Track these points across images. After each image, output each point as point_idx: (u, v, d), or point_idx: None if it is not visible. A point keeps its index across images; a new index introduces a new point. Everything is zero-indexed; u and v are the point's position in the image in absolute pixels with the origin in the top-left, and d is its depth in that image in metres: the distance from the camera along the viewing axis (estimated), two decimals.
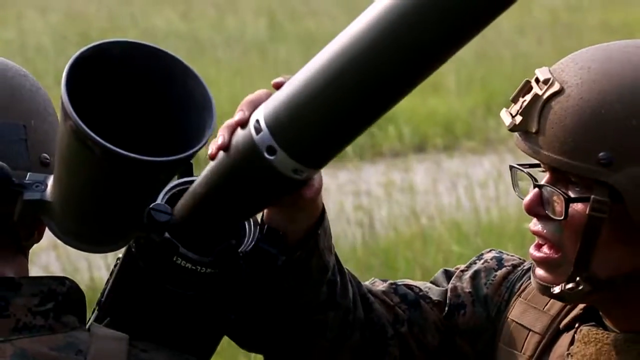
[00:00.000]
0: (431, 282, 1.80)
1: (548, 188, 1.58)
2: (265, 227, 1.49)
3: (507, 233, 6.11)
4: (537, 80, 1.58)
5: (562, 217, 1.55)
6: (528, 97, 1.57)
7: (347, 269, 1.70)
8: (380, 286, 1.77)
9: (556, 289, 1.58)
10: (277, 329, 1.59)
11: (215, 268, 1.43)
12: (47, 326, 1.41)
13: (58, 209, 1.39)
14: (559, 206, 1.56)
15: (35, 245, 1.50)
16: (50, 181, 1.40)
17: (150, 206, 1.41)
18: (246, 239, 1.47)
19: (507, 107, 1.62)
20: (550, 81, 1.56)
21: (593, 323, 1.64)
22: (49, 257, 5.78)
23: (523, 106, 1.57)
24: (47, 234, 1.63)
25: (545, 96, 1.56)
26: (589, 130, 1.52)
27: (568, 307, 1.67)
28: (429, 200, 7.07)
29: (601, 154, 1.51)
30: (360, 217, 6.55)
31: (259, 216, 1.50)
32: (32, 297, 1.41)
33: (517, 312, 1.71)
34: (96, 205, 1.37)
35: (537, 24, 15.05)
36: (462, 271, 1.79)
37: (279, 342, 1.61)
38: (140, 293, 1.46)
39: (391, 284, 1.77)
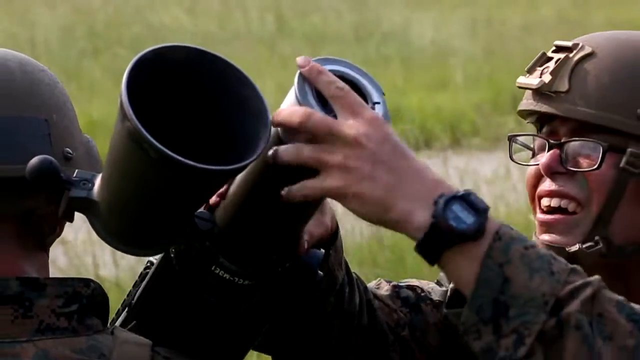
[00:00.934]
0: (436, 282, 1.80)
1: (573, 143, 1.58)
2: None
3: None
4: (557, 50, 1.61)
5: (595, 167, 1.56)
6: (552, 63, 1.59)
7: (355, 274, 1.69)
8: (384, 289, 1.76)
9: (573, 248, 1.57)
10: (284, 333, 1.59)
11: (252, 280, 1.42)
12: (71, 328, 1.39)
13: (104, 209, 1.38)
14: (586, 160, 1.57)
15: None
16: (98, 180, 1.39)
17: (195, 213, 1.40)
18: (287, 255, 1.45)
19: (523, 78, 1.62)
20: (580, 45, 1.60)
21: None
22: (56, 252, 5.78)
23: (548, 70, 1.59)
24: None
25: (576, 58, 1.59)
26: (627, 87, 1.56)
27: None
28: None
29: (639, 109, 1.55)
30: None
31: None
32: (56, 298, 1.40)
33: None
34: (144, 209, 1.35)
35: (544, 20, 15.02)
36: None
37: (286, 344, 1.60)
38: (173, 299, 1.45)
39: (394, 286, 1.76)
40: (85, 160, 1.45)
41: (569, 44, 1.62)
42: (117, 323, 1.48)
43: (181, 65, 1.35)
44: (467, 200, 1.26)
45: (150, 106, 1.35)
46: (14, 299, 1.38)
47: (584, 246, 1.57)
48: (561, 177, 1.59)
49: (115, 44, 12.63)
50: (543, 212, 1.60)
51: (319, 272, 1.47)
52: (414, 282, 1.79)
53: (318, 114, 1.29)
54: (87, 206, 1.39)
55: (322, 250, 1.48)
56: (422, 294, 1.76)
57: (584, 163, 1.58)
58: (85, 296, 1.41)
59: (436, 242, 1.25)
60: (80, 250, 5.95)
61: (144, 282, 1.49)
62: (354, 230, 5.98)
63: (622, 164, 1.55)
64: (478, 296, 1.22)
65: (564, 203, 1.59)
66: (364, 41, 13.22)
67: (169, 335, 1.45)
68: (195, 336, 1.45)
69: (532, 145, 1.66)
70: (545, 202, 1.61)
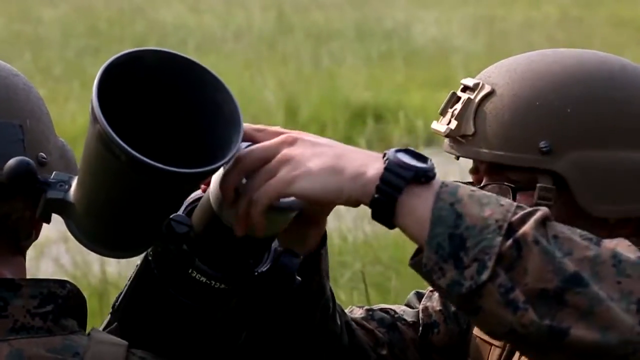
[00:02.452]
0: (405, 305, 1.84)
1: (490, 186, 1.60)
2: (283, 249, 1.48)
3: None
4: (463, 90, 1.64)
5: None
6: (459, 105, 1.62)
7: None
8: (358, 313, 1.79)
9: None
10: (273, 346, 1.60)
11: (229, 284, 1.42)
12: (46, 328, 1.39)
13: (79, 211, 1.38)
14: None
15: (46, 237, 1.50)
16: (75, 182, 1.39)
17: (171, 216, 1.40)
18: (263, 259, 1.46)
19: (437, 120, 1.67)
20: (480, 85, 1.62)
21: None
22: (59, 249, 5.77)
23: (456, 113, 1.62)
24: (56, 226, 1.62)
25: (477, 99, 1.61)
26: (527, 122, 1.56)
27: None
28: None
29: (541, 142, 1.55)
30: (369, 211, 6.53)
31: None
32: (31, 298, 1.40)
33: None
34: (117, 211, 1.36)
35: (546, 18, 15.02)
36: (432, 291, 1.82)
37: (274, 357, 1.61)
38: (153, 302, 1.45)
39: (367, 310, 1.80)
40: (60, 165, 1.45)
41: (472, 83, 1.63)
42: (102, 326, 1.48)
43: (155, 69, 1.35)
44: (413, 152, 1.31)
45: (123, 110, 1.36)
46: None
47: None
48: None
49: (118, 42, 12.63)
50: None
51: (297, 277, 1.47)
52: (385, 306, 1.83)
53: (246, 150, 1.35)
54: (63, 208, 1.39)
55: (300, 257, 1.48)
56: (396, 315, 1.80)
57: None
58: (61, 297, 1.41)
59: (392, 185, 1.27)
60: (84, 248, 5.94)
61: (126, 285, 1.50)
62: (357, 228, 5.98)
63: (535, 200, 1.55)
64: (435, 235, 1.25)
65: None
66: (366, 39, 13.21)
67: (148, 338, 1.46)
68: (174, 339, 1.45)
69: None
70: None
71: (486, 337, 1.70)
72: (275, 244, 1.48)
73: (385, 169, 1.28)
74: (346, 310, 1.79)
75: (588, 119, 1.56)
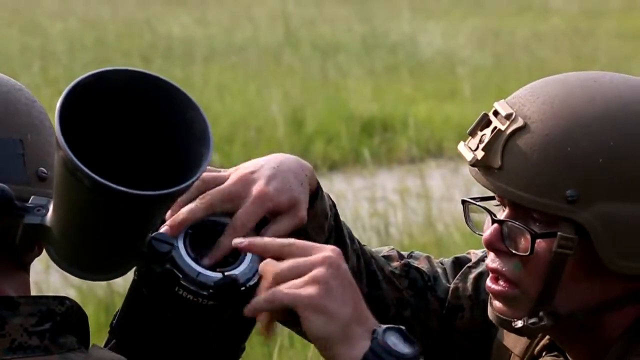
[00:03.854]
0: (442, 269, 1.80)
1: (510, 224, 1.55)
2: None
3: None
4: (495, 113, 1.57)
5: (527, 253, 1.53)
6: (488, 132, 1.56)
7: (358, 243, 1.71)
8: (394, 264, 1.76)
9: (518, 323, 1.57)
10: None
11: (216, 300, 1.42)
12: (43, 347, 1.38)
13: (56, 235, 1.38)
14: (522, 242, 1.55)
15: None
16: (52, 206, 1.39)
17: (152, 235, 1.40)
18: (252, 274, 1.45)
19: (465, 141, 1.61)
20: (513, 116, 1.54)
21: (555, 353, 1.64)
22: None
23: (485, 141, 1.56)
24: None
25: (508, 132, 1.54)
26: (556, 167, 1.50)
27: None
28: (445, 206, 7.05)
29: (568, 191, 1.50)
30: (376, 223, 6.53)
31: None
32: (29, 316, 1.39)
33: (501, 331, 1.70)
34: (90, 235, 1.35)
35: (553, 30, 15.01)
36: (470, 267, 1.78)
37: None
38: (146, 320, 1.45)
39: (404, 265, 1.77)
40: None
41: (505, 112, 1.55)
42: (104, 343, 1.48)
43: (123, 88, 1.34)
44: (404, 333, 1.36)
45: (93, 130, 1.35)
46: None
47: (529, 322, 1.56)
48: (501, 254, 1.58)
49: (125, 55, 12.65)
50: (491, 279, 1.60)
51: None
52: (422, 264, 1.79)
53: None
54: (41, 233, 1.38)
55: None
56: (429, 283, 1.77)
57: (521, 245, 1.55)
58: (59, 314, 1.40)
59: None
60: None
61: (122, 303, 1.50)
62: (362, 241, 5.97)
63: (554, 248, 1.52)
64: None
65: (500, 280, 1.58)
66: (372, 51, 13.22)
67: (146, 355, 1.46)
68: (171, 355, 1.45)
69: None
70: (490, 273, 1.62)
71: (507, 343, 1.69)
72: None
73: (370, 349, 1.34)
74: (385, 251, 1.77)
75: (619, 172, 1.50)
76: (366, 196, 7.49)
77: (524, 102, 1.56)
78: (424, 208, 6.93)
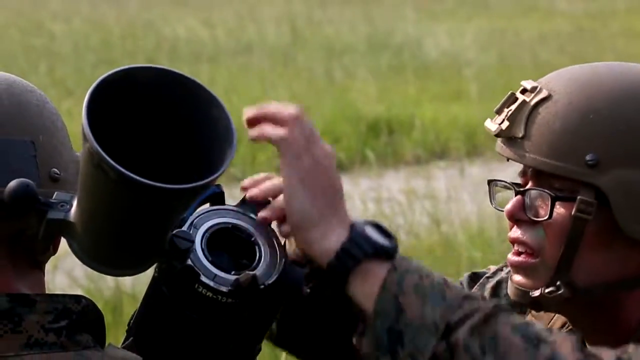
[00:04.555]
0: (459, 284, 1.81)
1: (532, 191, 1.59)
2: (290, 261, 1.48)
3: None
4: (522, 92, 1.62)
5: (546, 217, 1.56)
6: (514, 106, 1.61)
7: None
8: None
9: (536, 293, 1.58)
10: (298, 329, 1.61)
11: (236, 298, 1.42)
12: (59, 344, 1.39)
13: (79, 230, 1.39)
14: (543, 209, 1.58)
15: (60, 250, 1.50)
16: (75, 201, 1.40)
17: (173, 232, 1.40)
18: (270, 272, 1.45)
19: (492, 119, 1.65)
20: (538, 89, 1.60)
21: None
22: (73, 262, 5.78)
23: (509, 113, 1.61)
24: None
25: (532, 102, 1.59)
26: (577, 133, 1.55)
27: (553, 323, 1.68)
28: (451, 207, 7.05)
29: (588, 155, 1.54)
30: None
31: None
32: (46, 314, 1.40)
33: None
34: (114, 229, 1.36)
35: (559, 31, 15.01)
36: (488, 277, 1.80)
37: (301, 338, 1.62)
38: (164, 318, 1.46)
39: None
40: (75, 179, 1.44)
41: (530, 86, 1.62)
42: (122, 342, 1.49)
43: (150, 85, 1.36)
44: (381, 227, 1.36)
45: (118, 126, 1.36)
46: (3, 314, 1.39)
47: (546, 291, 1.57)
48: (522, 225, 1.61)
49: (130, 56, 12.66)
50: (513, 253, 1.63)
51: (305, 288, 1.46)
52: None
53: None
54: (64, 228, 1.39)
55: (307, 268, 1.47)
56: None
57: (542, 212, 1.59)
58: (76, 312, 1.41)
59: (350, 255, 1.32)
60: None
61: (140, 303, 1.50)
62: None
63: (573, 212, 1.55)
64: (375, 326, 1.29)
65: (522, 249, 1.61)
66: (378, 52, 13.23)
67: (163, 353, 1.46)
68: (188, 354, 1.46)
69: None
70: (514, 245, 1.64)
71: None
72: (282, 254, 1.47)
73: (349, 238, 1.33)
74: None
75: (638, 141, 1.55)
76: (372, 197, 7.49)
77: (549, 79, 1.62)
78: (430, 209, 6.93)
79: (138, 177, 1.28)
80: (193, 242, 1.41)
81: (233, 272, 1.43)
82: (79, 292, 5.34)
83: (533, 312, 1.69)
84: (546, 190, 1.57)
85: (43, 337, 1.39)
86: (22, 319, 1.39)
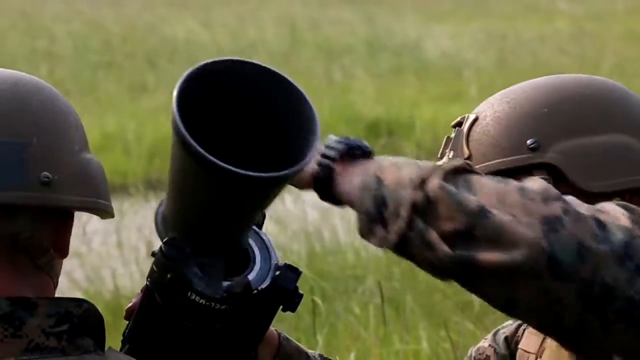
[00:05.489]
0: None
1: None
2: (283, 265, 1.50)
3: None
4: (455, 126, 1.83)
5: None
6: (452, 139, 1.81)
7: None
8: None
9: None
10: None
11: (229, 305, 1.42)
12: (60, 348, 1.38)
13: (168, 220, 1.41)
14: None
15: None
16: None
17: (164, 240, 1.41)
18: (264, 277, 1.46)
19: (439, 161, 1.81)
20: (466, 117, 1.81)
21: None
22: (72, 264, 5.79)
23: (450, 144, 1.80)
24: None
25: (465, 128, 1.79)
26: (511, 128, 1.75)
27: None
28: None
29: (528, 141, 1.72)
30: None
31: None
32: (47, 318, 1.38)
33: (524, 341, 1.84)
34: (198, 219, 1.38)
35: (559, 32, 15.01)
36: (499, 329, 1.92)
37: None
38: (159, 327, 1.46)
39: None
40: (73, 183, 1.43)
41: (459, 119, 1.82)
42: (111, 344, 1.49)
43: (230, 77, 1.38)
44: (340, 139, 1.45)
45: (204, 118, 1.38)
46: (4, 318, 1.37)
47: None
48: None
49: (130, 58, 12.67)
50: None
51: (300, 292, 1.48)
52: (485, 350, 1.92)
53: None
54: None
55: (300, 272, 1.49)
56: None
57: None
58: (77, 316, 1.40)
59: (328, 157, 1.41)
60: (96, 263, 5.96)
61: (134, 312, 1.51)
62: (368, 244, 5.97)
63: None
64: (362, 202, 1.38)
65: None
66: (377, 53, 13.24)
67: (158, 358, 1.47)
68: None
69: None
70: None
71: (527, 348, 1.82)
72: (275, 258, 1.48)
73: (325, 146, 1.42)
74: None
75: (563, 114, 1.75)
76: None
77: (475, 109, 1.83)
78: None
79: (225, 165, 1.29)
80: (184, 249, 1.41)
81: (226, 278, 1.43)
82: (78, 294, 5.34)
83: None
84: None
85: (44, 342, 1.38)
86: (23, 322, 1.38)
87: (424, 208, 1.33)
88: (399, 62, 12.65)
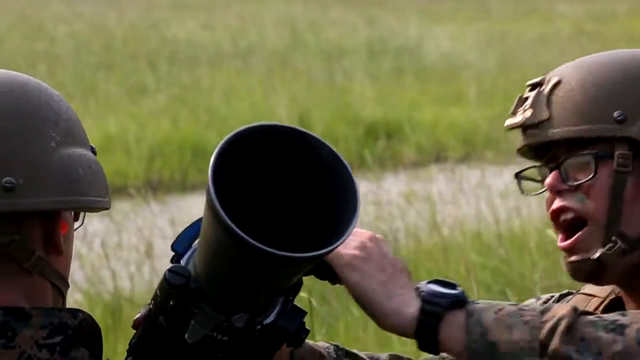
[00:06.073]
0: None
1: (568, 161, 1.70)
2: (290, 304, 1.49)
3: (529, 243, 6.10)
4: (531, 89, 1.76)
5: (592, 175, 1.67)
6: (530, 99, 1.74)
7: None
8: None
9: (596, 254, 1.66)
10: None
11: (230, 337, 1.42)
12: None
13: (200, 278, 1.41)
14: (584, 173, 1.68)
15: None
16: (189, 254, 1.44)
17: (169, 268, 1.41)
18: (271, 311, 1.45)
19: (509, 120, 1.77)
20: (547, 79, 1.75)
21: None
22: (72, 266, 5.78)
23: (528, 105, 1.74)
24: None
25: (547, 90, 1.73)
26: (599, 98, 1.71)
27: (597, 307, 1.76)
28: (450, 210, 7.06)
29: (615, 113, 1.69)
30: (381, 227, 6.54)
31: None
32: (41, 329, 1.36)
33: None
34: (230, 285, 1.39)
35: (559, 34, 15.02)
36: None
37: None
38: (161, 346, 1.46)
39: None
40: (45, 184, 1.38)
41: (539, 80, 1.76)
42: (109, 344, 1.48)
43: (264, 144, 1.38)
44: (440, 281, 1.46)
45: (239, 182, 1.38)
46: None
47: (604, 249, 1.66)
48: (566, 194, 1.71)
49: (131, 59, 12.67)
50: (560, 239, 1.72)
51: (300, 333, 1.46)
52: None
53: None
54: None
55: (305, 313, 1.48)
56: None
57: (582, 176, 1.69)
58: (72, 327, 1.38)
59: (432, 315, 1.42)
60: (96, 264, 5.95)
61: (138, 328, 1.50)
62: None
63: (614, 167, 1.67)
64: None
65: (569, 216, 1.71)
66: (377, 55, 13.23)
67: None
68: None
69: (538, 177, 1.80)
70: (558, 219, 1.73)
71: (588, 290, 1.79)
72: (283, 297, 1.46)
73: (423, 301, 1.41)
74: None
75: None
76: (371, 200, 7.50)
77: (553, 72, 1.77)
78: (429, 212, 6.93)
79: (265, 247, 1.29)
80: (189, 278, 1.40)
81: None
82: (78, 295, 5.34)
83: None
84: (587, 152, 1.68)
85: (36, 354, 1.35)
86: (16, 333, 1.36)
87: None
88: (399, 64, 12.65)
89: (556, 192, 1.71)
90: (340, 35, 14.74)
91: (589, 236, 1.68)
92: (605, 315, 1.41)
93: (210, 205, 1.31)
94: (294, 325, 1.45)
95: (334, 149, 1.40)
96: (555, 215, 1.71)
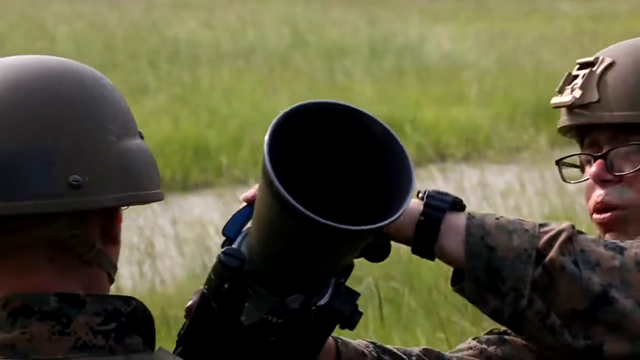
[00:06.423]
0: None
1: (614, 151, 1.66)
2: (342, 286, 1.48)
3: None
4: (581, 67, 1.72)
5: (638, 168, 1.64)
6: (579, 79, 1.70)
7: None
8: (465, 346, 1.75)
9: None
10: None
11: (285, 319, 1.41)
12: (107, 347, 1.36)
13: (255, 258, 1.40)
14: (627, 164, 1.66)
15: None
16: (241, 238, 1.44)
17: (223, 250, 1.41)
18: (324, 292, 1.45)
19: (556, 98, 1.73)
20: (600, 59, 1.70)
21: None
22: None
23: (577, 85, 1.69)
24: None
25: (599, 70, 1.69)
26: None
27: None
28: None
29: None
30: None
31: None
32: (95, 315, 1.36)
33: None
34: (280, 266, 1.38)
35: (560, 33, 15.01)
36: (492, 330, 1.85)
37: None
38: (212, 332, 1.46)
39: (473, 338, 1.78)
40: (108, 180, 1.37)
41: (591, 59, 1.71)
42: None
43: (319, 121, 1.38)
44: (439, 191, 1.46)
45: (294, 160, 1.38)
46: (52, 315, 1.35)
47: None
48: (608, 185, 1.68)
49: (132, 58, 12.68)
50: (597, 213, 1.69)
51: (359, 312, 1.45)
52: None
53: None
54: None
55: (359, 295, 1.47)
56: (501, 330, 1.78)
57: (627, 167, 1.66)
58: (125, 314, 1.37)
59: (436, 208, 1.41)
60: None
61: (190, 316, 1.50)
62: None
63: None
64: (471, 269, 1.38)
65: (607, 215, 1.67)
66: (379, 55, 13.23)
67: None
68: None
69: (578, 163, 1.77)
70: (599, 212, 1.70)
71: None
72: (336, 277, 1.46)
73: (428, 196, 1.42)
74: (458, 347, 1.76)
75: None
76: None
77: (605, 52, 1.73)
78: None
79: (324, 220, 1.28)
80: (243, 260, 1.40)
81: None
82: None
83: None
84: (634, 142, 1.65)
85: (91, 340, 1.35)
86: (71, 320, 1.36)
87: (544, 287, 1.34)
88: (400, 64, 12.65)
89: (600, 181, 1.67)
90: (341, 35, 14.74)
91: (627, 218, 1.66)
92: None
93: (267, 181, 1.30)
94: (349, 307, 1.44)
95: (389, 128, 1.39)
96: (596, 208, 1.68)
